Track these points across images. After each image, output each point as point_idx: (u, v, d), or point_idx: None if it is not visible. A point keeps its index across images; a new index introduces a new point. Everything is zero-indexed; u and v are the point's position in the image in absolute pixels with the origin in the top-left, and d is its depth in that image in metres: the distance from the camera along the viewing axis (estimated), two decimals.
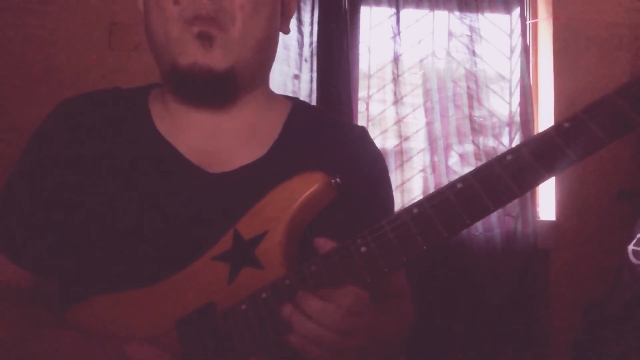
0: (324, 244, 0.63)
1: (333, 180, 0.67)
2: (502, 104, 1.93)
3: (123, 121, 0.78)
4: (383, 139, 1.87)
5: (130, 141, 0.76)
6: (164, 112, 0.78)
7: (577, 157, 0.54)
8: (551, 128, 0.55)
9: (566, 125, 0.54)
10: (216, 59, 0.70)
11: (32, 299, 0.76)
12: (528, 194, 1.82)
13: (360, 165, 0.79)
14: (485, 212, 0.57)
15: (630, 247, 1.53)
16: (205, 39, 0.69)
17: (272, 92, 0.84)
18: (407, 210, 0.59)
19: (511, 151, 0.56)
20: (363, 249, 0.60)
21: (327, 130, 0.82)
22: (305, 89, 1.80)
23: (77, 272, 0.73)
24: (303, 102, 0.89)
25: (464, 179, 0.57)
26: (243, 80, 0.74)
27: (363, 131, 0.86)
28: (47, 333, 0.68)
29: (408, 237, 0.58)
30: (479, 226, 1.81)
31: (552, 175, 0.55)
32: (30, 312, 0.72)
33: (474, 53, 1.89)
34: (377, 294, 0.72)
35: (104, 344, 0.63)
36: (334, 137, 0.81)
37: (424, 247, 0.58)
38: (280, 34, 0.82)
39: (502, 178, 0.56)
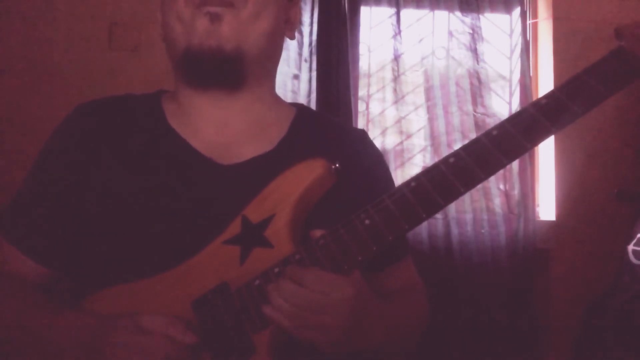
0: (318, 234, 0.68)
1: (333, 167, 0.72)
2: (502, 103, 1.93)
3: (138, 120, 0.81)
4: (383, 138, 1.87)
5: (145, 137, 0.79)
6: (177, 110, 0.82)
7: (556, 128, 0.63)
8: (531, 105, 0.65)
9: (543, 101, 0.64)
10: (224, 35, 0.74)
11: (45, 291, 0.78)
12: (528, 194, 1.82)
13: (361, 163, 0.83)
14: (476, 180, 0.64)
15: (630, 247, 1.54)
16: (214, 17, 0.73)
17: (278, 96, 0.89)
18: (406, 184, 0.66)
19: (496, 127, 0.64)
20: (367, 221, 0.65)
21: (330, 131, 0.87)
22: (304, 88, 1.80)
23: (92, 264, 0.75)
24: (307, 107, 0.94)
25: (455, 154, 0.65)
26: (250, 64, 0.78)
27: (363, 133, 0.91)
28: (60, 320, 0.70)
29: (408, 207, 0.64)
30: (484, 224, 1.81)
31: (533, 146, 0.64)
32: (44, 299, 0.75)
33: (474, 53, 1.89)
34: (389, 288, 0.80)
35: (117, 320, 0.66)
36: (336, 137, 0.86)
37: (424, 216, 0.64)
38: None
39: (490, 150, 0.63)
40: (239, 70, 0.77)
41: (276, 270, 0.66)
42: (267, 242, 0.69)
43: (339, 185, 0.74)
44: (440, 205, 0.64)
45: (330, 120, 0.93)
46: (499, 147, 0.63)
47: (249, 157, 0.78)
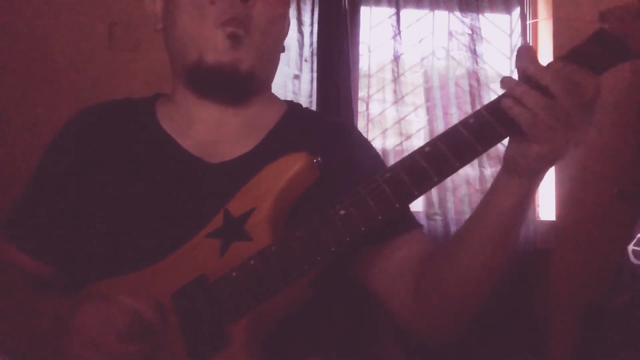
0: None
1: (315, 160, 0.73)
2: None
3: (131, 124, 0.84)
4: (383, 139, 1.87)
5: (137, 140, 0.82)
6: (172, 110, 0.85)
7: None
8: (493, 102, 0.61)
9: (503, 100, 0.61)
10: (241, 58, 0.76)
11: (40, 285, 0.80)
12: None
13: (345, 154, 0.83)
14: (452, 169, 0.62)
15: (630, 247, 1.54)
16: (235, 39, 0.76)
17: (272, 95, 0.91)
18: (381, 174, 0.65)
19: (472, 116, 0.62)
20: (342, 212, 0.65)
21: (316, 126, 0.88)
22: (305, 89, 1.80)
23: (85, 261, 0.77)
24: (297, 104, 0.95)
25: (431, 143, 0.63)
26: (257, 84, 0.82)
27: (349, 124, 0.94)
28: (39, 304, 0.73)
29: (382, 198, 0.64)
30: None
31: (507, 135, 0.61)
32: (31, 287, 0.77)
33: (474, 53, 1.89)
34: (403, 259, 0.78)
35: (86, 297, 0.68)
36: (322, 131, 0.87)
37: (397, 205, 0.64)
38: None
39: (466, 139, 0.62)
40: (246, 89, 0.81)
41: (252, 262, 0.67)
42: (247, 235, 0.70)
43: (325, 179, 0.74)
44: (414, 195, 0.64)
45: (316, 115, 0.95)
46: (474, 135, 0.61)
47: (237, 154, 0.80)
